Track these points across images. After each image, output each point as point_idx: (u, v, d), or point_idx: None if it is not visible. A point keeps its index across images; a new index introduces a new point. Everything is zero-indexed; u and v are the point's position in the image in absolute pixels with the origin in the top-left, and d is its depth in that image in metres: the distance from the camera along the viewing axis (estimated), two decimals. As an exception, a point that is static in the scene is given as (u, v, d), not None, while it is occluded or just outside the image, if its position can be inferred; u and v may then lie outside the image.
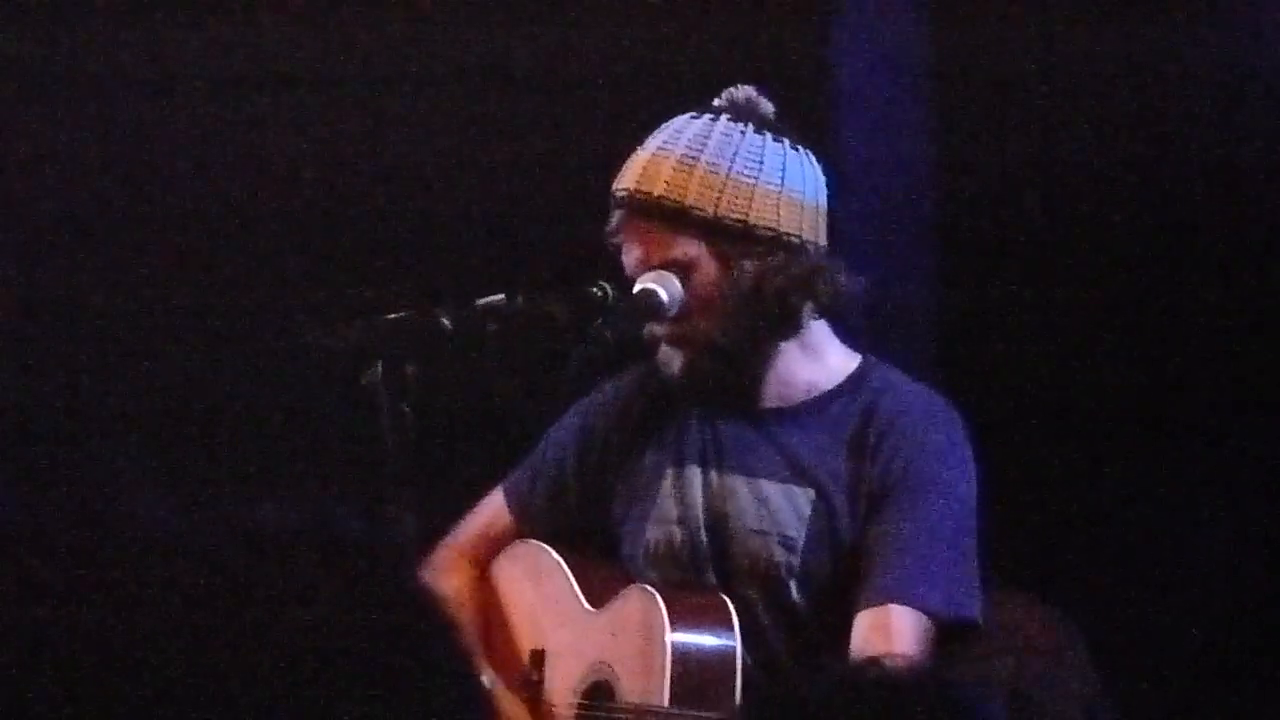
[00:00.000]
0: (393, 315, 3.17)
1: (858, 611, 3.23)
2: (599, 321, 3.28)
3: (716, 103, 3.38)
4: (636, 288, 3.30)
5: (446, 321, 3.18)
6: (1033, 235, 4.59)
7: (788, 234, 3.31)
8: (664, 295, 3.29)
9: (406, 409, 3.13)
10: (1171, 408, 4.49)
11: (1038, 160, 4.60)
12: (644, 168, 3.30)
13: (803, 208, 3.33)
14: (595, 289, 3.29)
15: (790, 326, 3.34)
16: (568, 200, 3.95)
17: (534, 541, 3.51)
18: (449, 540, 3.57)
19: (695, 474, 3.38)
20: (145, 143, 4.77)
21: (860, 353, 3.43)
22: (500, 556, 3.55)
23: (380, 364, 3.14)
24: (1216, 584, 4.45)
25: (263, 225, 4.74)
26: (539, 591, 3.49)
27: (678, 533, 3.37)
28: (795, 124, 3.42)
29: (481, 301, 3.22)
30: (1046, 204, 4.59)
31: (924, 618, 3.22)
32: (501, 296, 3.23)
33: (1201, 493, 4.47)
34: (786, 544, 3.32)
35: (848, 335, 3.44)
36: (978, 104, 4.63)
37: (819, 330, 3.38)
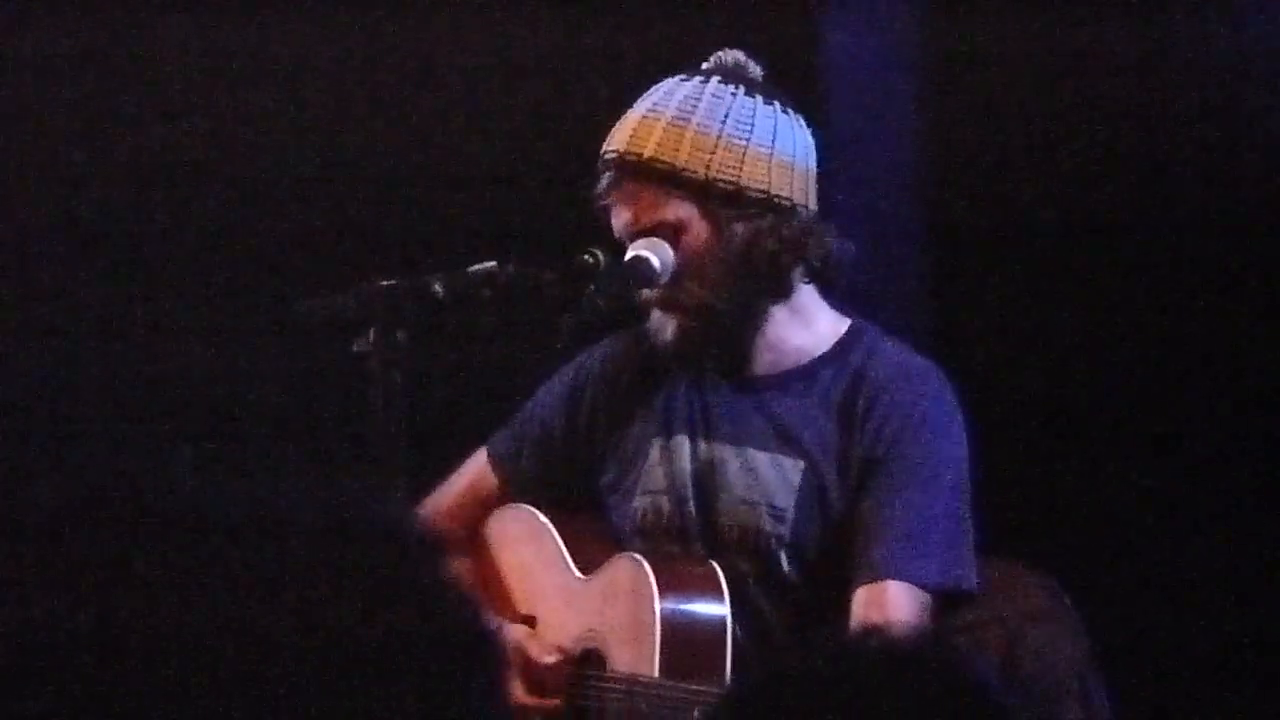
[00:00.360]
0: (385, 282, 3.17)
1: (854, 588, 3.22)
2: (591, 289, 3.27)
3: (706, 65, 3.37)
4: (628, 254, 3.29)
5: (439, 289, 3.18)
6: (1022, 204, 4.59)
7: (779, 196, 3.30)
8: (656, 262, 3.27)
9: (398, 376, 3.13)
10: (1163, 373, 4.50)
11: (1027, 133, 4.60)
12: (634, 129, 3.28)
13: (793, 170, 3.32)
14: (587, 256, 3.28)
15: (781, 289, 3.32)
16: (558, 167, 3.94)
17: (524, 506, 3.49)
18: (433, 500, 3.54)
19: (683, 443, 3.36)
20: (136, 116, 4.77)
21: (849, 317, 3.41)
22: (491, 519, 3.53)
23: (373, 331, 3.13)
24: (1209, 556, 4.45)
25: (255, 194, 4.73)
26: (530, 557, 3.47)
27: (665, 503, 3.35)
28: (785, 93, 3.42)
29: (474, 269, 3.22)
30: (1036, 174, 4.59)
31: (921, 591, 3.21)
32: (493, 264, 3.23)
33: (1195, 464, 4.47)
34: (776, 514, 3.30)
35: (836, 300, 3.42)
36: (967, 80, 4.62)
37: (808, 295, 3.37)
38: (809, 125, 3.39)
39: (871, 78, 4.68)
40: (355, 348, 3.16)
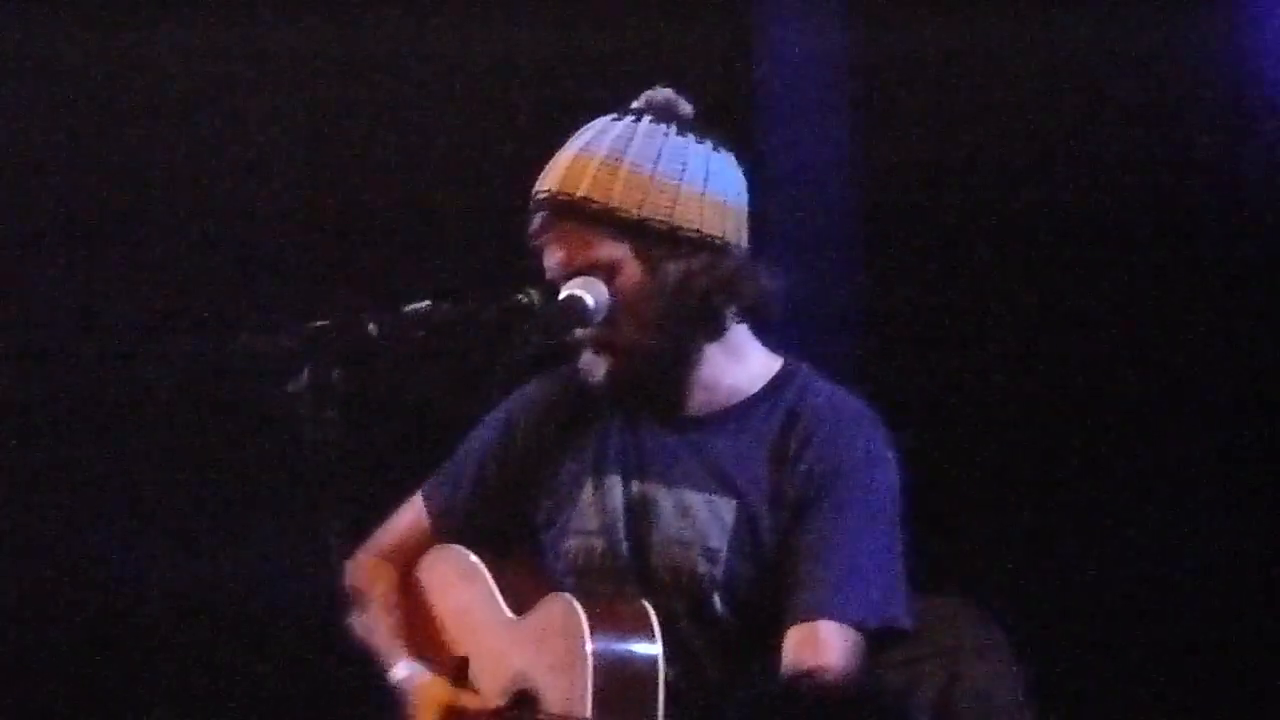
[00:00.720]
0: (319, 322, 3.17)
1: (786, 627, 3.21)
2: (525, 327, 3.26)
3: (636, 105, 3.37)
4: (562, 293, 3.29)
5: (373, 328, 3.17)
6: (957, 234, 4.62)
7: (711, 235, 3.30)
8: (590, 301, 3.28)
9: (333, 415, 3.13)
10: (1097, 405, 4.53)
11: (960, 157, 4.62)
12: (567, 169, 3.28)
13: (726, 209, 3.33)
14: (521, 295, 3.29)
15: (714, 328, 3.32)
16: (493, 206, 3.95)
17: (457, 547, 3.49)
18: (369, 544, 3.56)
19: (616, 483, 3.36)
20: (79, 158, 4.77)
21: (781, 355, 3.42)
22: (423, 561, 3.54)
23: (307, 371, 3.13)
24: (1145, 586, 4.48)
25: (193, 234, 4.74)
26: (462, 598, 3.47)
27: (598, 543, 3.35)
28: (719, 123, 3.42)
29: (408, 308, 3.22)
30: (969, 201, 4.61)
31: (853, 631, 3.20)
32: (428, 303, 3.23)
33: (1129, 495, 4.50)
34: (709, 555, 3.30)
35: (769, 338, 3.43)
36: (899, 103, 4.65)
37: (741, 333, 3.37)
38: (741, 162, 3.40)
39: (805, 106, 4.71)
40: (289, 387, 3.15)
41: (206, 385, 4.61)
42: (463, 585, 3.47)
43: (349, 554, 3.47)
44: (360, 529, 3.51)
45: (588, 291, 3.28)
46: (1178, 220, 4.52)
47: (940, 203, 4.61)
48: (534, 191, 3.32)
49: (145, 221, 4.77)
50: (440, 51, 4.70)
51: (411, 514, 3.58)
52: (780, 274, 3.36)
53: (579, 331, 3.31)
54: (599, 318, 3.28)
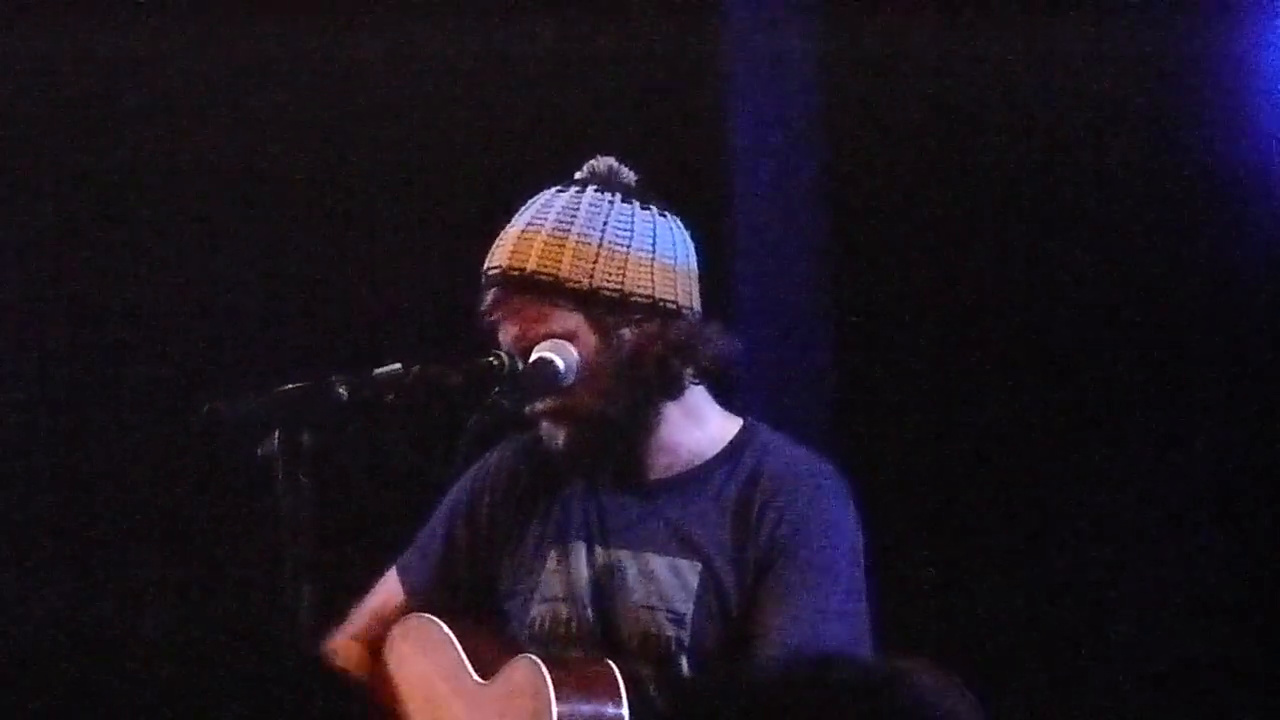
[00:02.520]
0: (289, 386, 3.18)
1: None
2: (495, 391, 3.28)
3: (579, 175, 3.41)
4: (533, 356, 3.31)
5: (343, 391, 3.16)
6: (931, 294, 4.64)
7: (664, 300, 3.33)
8: (560, 364, 3.30)
9: (303, 479, 3.14)
10: (1066, 471, 4.54)
11: (936, 214, 4.65)
12: (515, 244, 3.31)
13: (675, 273, 3.36)
14: (491, 359, 3.30)
15: (672, 390, 3.35)
16: (462, 270, 3.98)
17: (425, 615, 3.51)
18: (349, 622, 3.59)
19: (580, 549, 3.38)
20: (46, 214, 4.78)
21: (739, 416, 3.44)
22: (394, 630, 3.55)
23: (277, 434, 3.14)
24: (1116, 658, 4.49)
25: (160, 297, 4.75)
26: (430, 664, 3.47)
27: (564, 609, 3.38)
28: (691, 186, 3.45)
29: (378, 371, 3.22)
30: (943, 257, 4.64)
31: None
32: (398, 366, 3.23)
33: (1099, 560, 4.52)
34: (675, 619, 3.32)
35: (727, 399, 3.45)
36: (873, 161, 4.68)
37: (699, 395, 3.40)
38: (688, 226, 3.43)
39: (778, 166, 4.74)
40: (260, 451, 3.16)
41: (176, 451, 4.61)
42: (432, 653, 3.47)
43: (320, 618, 3.48)
44: (330, 592, 3.52)
45: (557, 354, 3.31)
46: (1157, 271, 4.55)
47: (914, 261, 4.63)
48: (484, 268, 3.35)
49: (111, 287, 4.78)
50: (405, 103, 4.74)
51: (386, 591, 3.61)
52: (735, 336, 3.40)
53: (538, 404, 3.33)
54: (569, 380, 3.30)
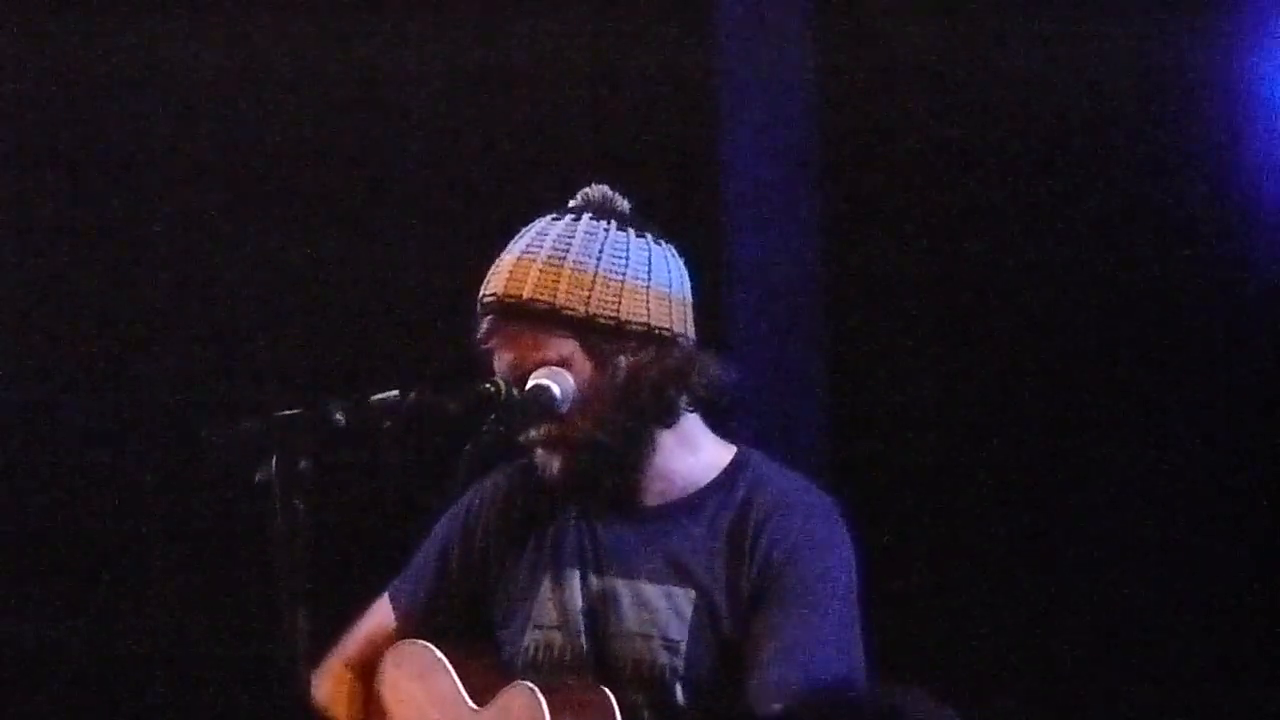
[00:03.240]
0: (287, 412, 3.18)
1: (745, 713, 3.23)
2: (492, 417, 3.29)
3: (574, 203, 3.42)
4: (530, 383, 3.32)
5: (340, 417, 3.16)
6: (926, 322, 4.66)
7: (659, 328, 3.34)
8: (557, 390, 3.32)
9: (300, 504, 3.14)
10: (1057, 496, 4.56)
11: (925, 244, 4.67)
12: (510, 271, 3.32)
13: (670, 301, 3.37)
14: (488, 385, 3.31)
15: (667, 417, 3.36)
16: (462, 296, 4.00)
17: (419, 640, 3.51)
18: (341, 647, 3.60)
19: (574, 577, 3.39)
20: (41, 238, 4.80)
21: (733, 444, 3.45)
22: (387, 656, 3.55)
23: (274, 460, 3.14)
24: (1101, 686, 4.51)
25: (160, 323, 4.76)
26: (425, 690, 3.48)
27: (558, 637, 3.38)
28: (682, 215, 3.47)
29: (375, 397, 3.22)
30: (931, 283, 4.66)
31: None
32: (395, 393, 3.23)
33: (1084, 590, 4.53)
34: (669, 646, 3.32)
35: (721, 426, 3.46)
36: (869, 188, 4.70)
37: (693, 423, 3.41)
38: (681, 254, 3.44)
39: (774, 199, 4.76)
40: (257, 476, 3.16)
41: (174, 475, 4.62)
42: (425, 679, 3.48)
43: (315, 644, 3.48)
44: (326, 617, 3.53)
45: (554, 381, 3.32)
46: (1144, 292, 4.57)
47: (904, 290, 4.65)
48: (479, 296, 3.36)
49: (104, 313, 4.79)
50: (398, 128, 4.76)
51: (378, 616, 3.61)
52: (730, 363, 3.41)
53: (532, 432, 3.33)
54: (565, 407, 3.31)
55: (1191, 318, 4.52)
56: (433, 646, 3.49)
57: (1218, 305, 4.49)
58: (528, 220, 3.42)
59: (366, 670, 3.58)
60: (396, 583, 3.61)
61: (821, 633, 3.27)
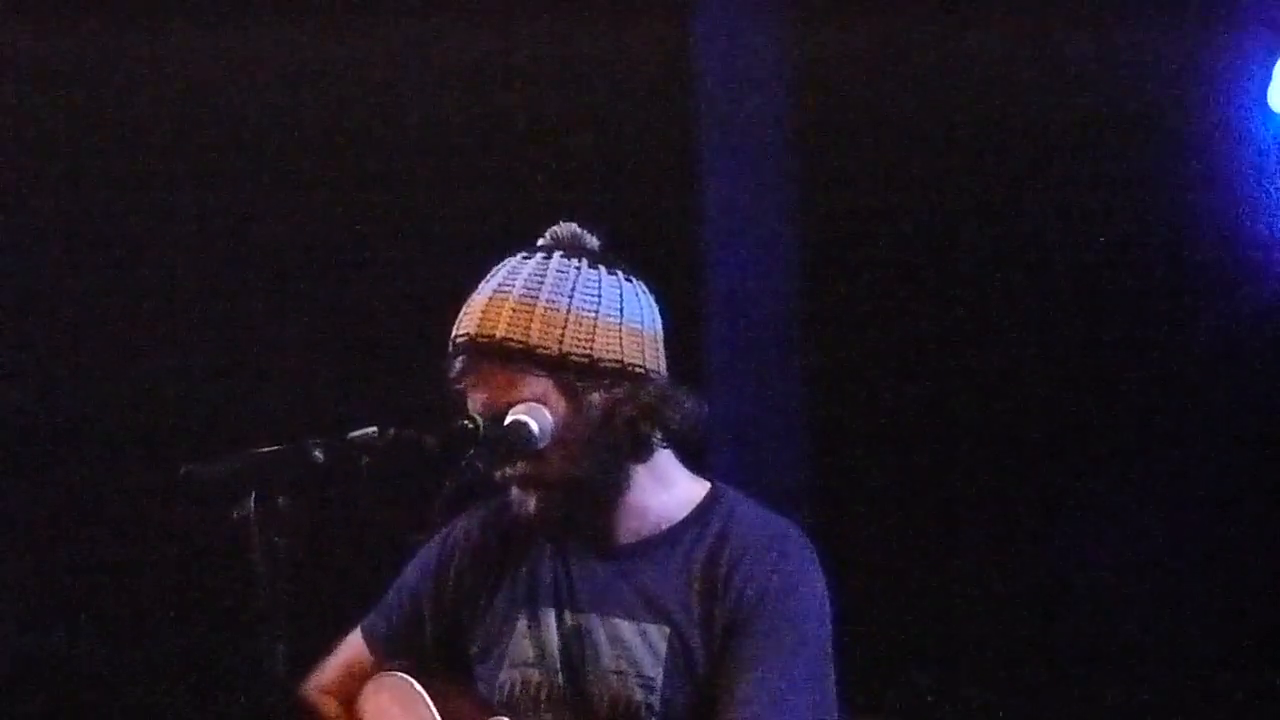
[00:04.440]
0: (265, 449, 3.19)
1: None
2: (470, 454, 3.30)
3: (543, 241, 3.43)
4: (508, 419, 3.33)
5: (319, 455, 3.18)
6: (904, 356, 4.67)
7: (632, 364, 3.36)
8: (535, 427, 3.33)
9: (278, 540, 3.15)
10: (1039, 534, 4.57)
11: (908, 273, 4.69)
12: (483, 311, 3.33)
13: (643, 337, 3.38)
14: (466, 421, 3.32)
15: (641, 453, 3.37)
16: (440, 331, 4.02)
17: (399, 674, 3.52)
18: (313, 679, 3.60)
19: (549, 615, 3.40)
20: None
21: (707, 480, 3.47)
22: (366, 688, 3.56)
23: (253, 497, 3.15)
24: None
25: (138, 357, 4.77)
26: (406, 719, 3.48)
27: (534, 674, 3.39)
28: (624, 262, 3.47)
29: (353, 434, 3.23)
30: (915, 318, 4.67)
31: None
32: (373, 430, 3.24)
33: (1062, 630, 4.54)
34: (645, 684, 3.33)
35: (694, 462, 3.48)
36: (847, 222, 4.72)
37: (666, 459, 3.43)
38: (652, 290, 3.45)
39: (753, 230, 4.77)
40: (235, 513, 3.17)
41: (152, 512, 4.63)
42: (404, 711, 3.48)
43: (295, 679, 3.49)
44: (305, 653, 3.54)
45: (532, 417, 3.33)
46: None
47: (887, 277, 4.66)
48: (452, 336, 3.37)
49: (86, 349, 4.80)
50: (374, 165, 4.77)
51: (352, 650, 3.62)
52: (702, 399, 3.42)
53: (508, 469, 3.35)
54: (544, 443, 3.32)
55: (1176, 338, 4.54)
56: (411, 679, 3.50)
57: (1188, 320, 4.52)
58: (493, 271, 3.42)
59: (346, 699, 3.58)
60: (369, 620, 3.62)
61: (793, 672, 3.28)
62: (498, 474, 3.36)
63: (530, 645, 3.40)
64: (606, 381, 3.33)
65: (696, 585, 3.35)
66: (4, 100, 4.76)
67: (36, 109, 4.76)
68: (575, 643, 3.37)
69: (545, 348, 3.31)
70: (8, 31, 4.71)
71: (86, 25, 4.70)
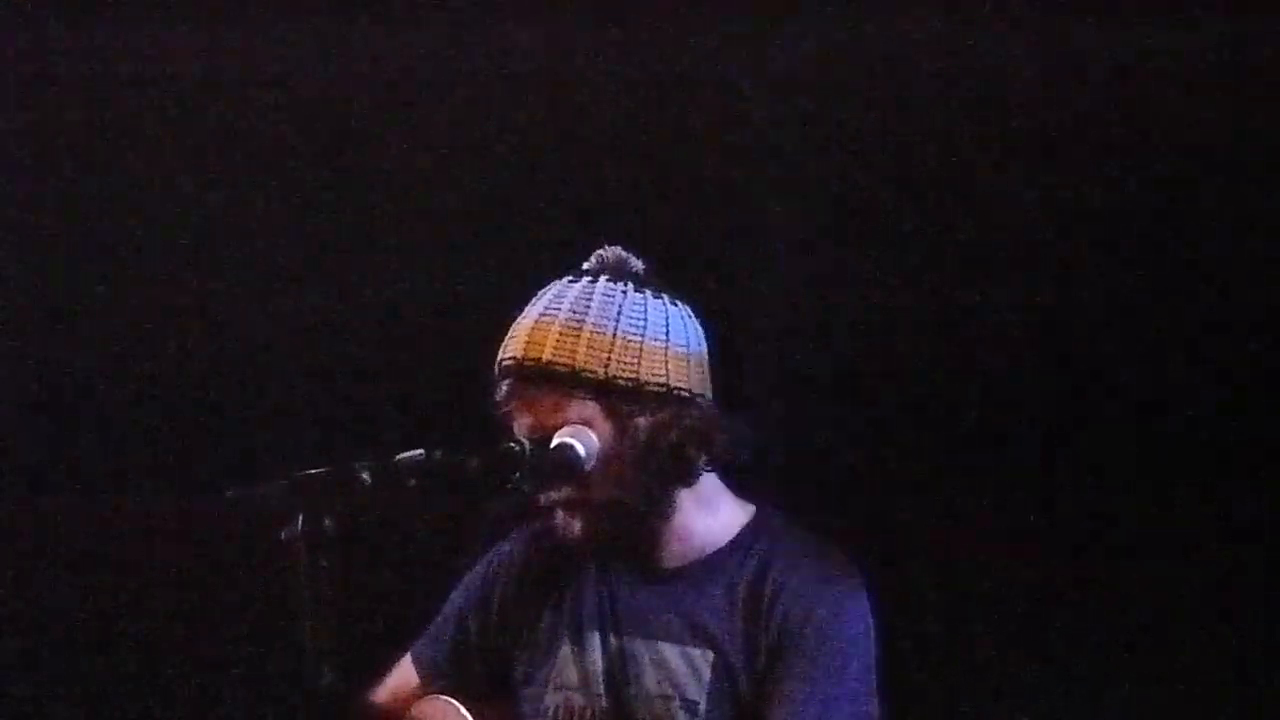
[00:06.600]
0: (313, 471, 3.20)
1: None
2: (516, 476, 3.31)
3: (589, 265, 3.43)
4: (554, 442, 3.34)
5: (366, 477, 3.18)
6: (949, 377, 4.65)
7: (677, 388, 3.36)
8: (581, 449, 3.33)
9: (325, 563, 3.16)
10: (1077, 561, 4.55)
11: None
12: (529, 335, 3.34)
13: (689, 361, 3.39)
14: (513, 444, 3.33)
15: (687, 477, 3.38)
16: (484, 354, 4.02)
17: (444, 697, 3.53)
18: (361, 705, 3.61)
19: (594, 638, 3.41)
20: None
21: (752, 503, 3.47)
22: (412, 712, 3.57)
23: (300, 519, 3.16)
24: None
25: (181, 380, 4.78)
26: None
27: (578, 698, 3.40)
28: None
29: (400, 457, 3.24)
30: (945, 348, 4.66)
31: None
32: (420, 452, 3.24)
33: (1096, 658, 4.52)
34: (689, 707, 3.33)
35: (739, 486, 3.48)
36: (887, 244, 4.70)
37: (711, 482, 3.43)
38: (699, 313, 3.46)
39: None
40: (282, 535, 3.18)
41: (200, 534, 4.64)
42: (452, 733, 3.51)
43: (342, 702, 3.50)
44: (351, 675, 3.55)
45: (578, 440, 3.33)
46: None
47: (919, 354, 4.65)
48: (498, 360, 3.38)
49: (131, 368, 4.81)
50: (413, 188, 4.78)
51: (401, 676, 3.64)
52: (747, 422, 3.42)
53: (554, 494, 3.35)
54: (589, 465, 3.32)
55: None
56: (456, 703, 3.51)
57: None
58: (540, 288, 3.43)
59: None
60: (418, 645, 3.63)
61: (838, 697, 3.28)
62: (543, 497, 3.37)
63: (575, 669, 3.40)
64: (652, 405, 3.34)
65: (741, 609, 3.35)
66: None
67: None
68: (620, 666, 3.38)
69: (591, 371, 3.32)
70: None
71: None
